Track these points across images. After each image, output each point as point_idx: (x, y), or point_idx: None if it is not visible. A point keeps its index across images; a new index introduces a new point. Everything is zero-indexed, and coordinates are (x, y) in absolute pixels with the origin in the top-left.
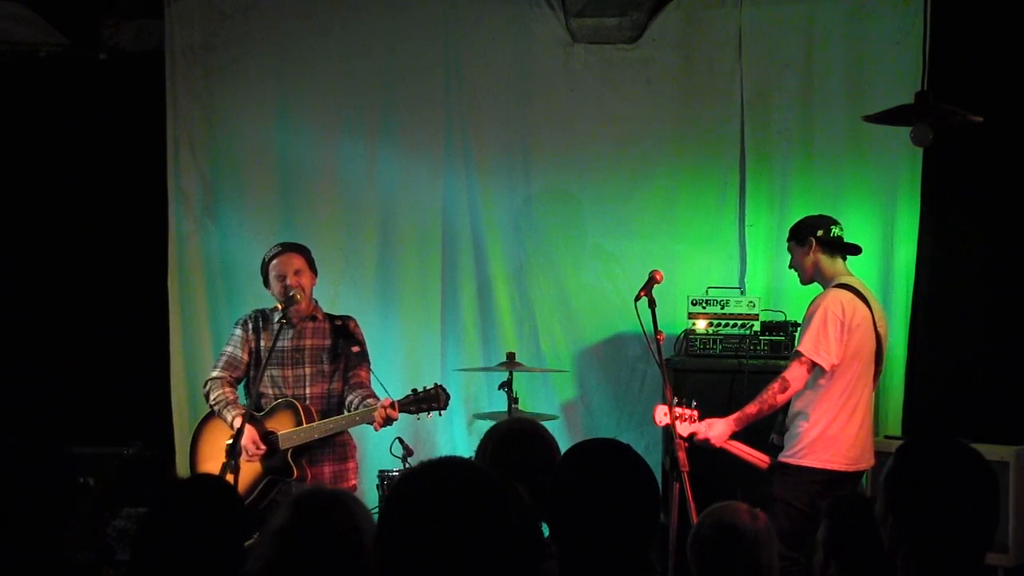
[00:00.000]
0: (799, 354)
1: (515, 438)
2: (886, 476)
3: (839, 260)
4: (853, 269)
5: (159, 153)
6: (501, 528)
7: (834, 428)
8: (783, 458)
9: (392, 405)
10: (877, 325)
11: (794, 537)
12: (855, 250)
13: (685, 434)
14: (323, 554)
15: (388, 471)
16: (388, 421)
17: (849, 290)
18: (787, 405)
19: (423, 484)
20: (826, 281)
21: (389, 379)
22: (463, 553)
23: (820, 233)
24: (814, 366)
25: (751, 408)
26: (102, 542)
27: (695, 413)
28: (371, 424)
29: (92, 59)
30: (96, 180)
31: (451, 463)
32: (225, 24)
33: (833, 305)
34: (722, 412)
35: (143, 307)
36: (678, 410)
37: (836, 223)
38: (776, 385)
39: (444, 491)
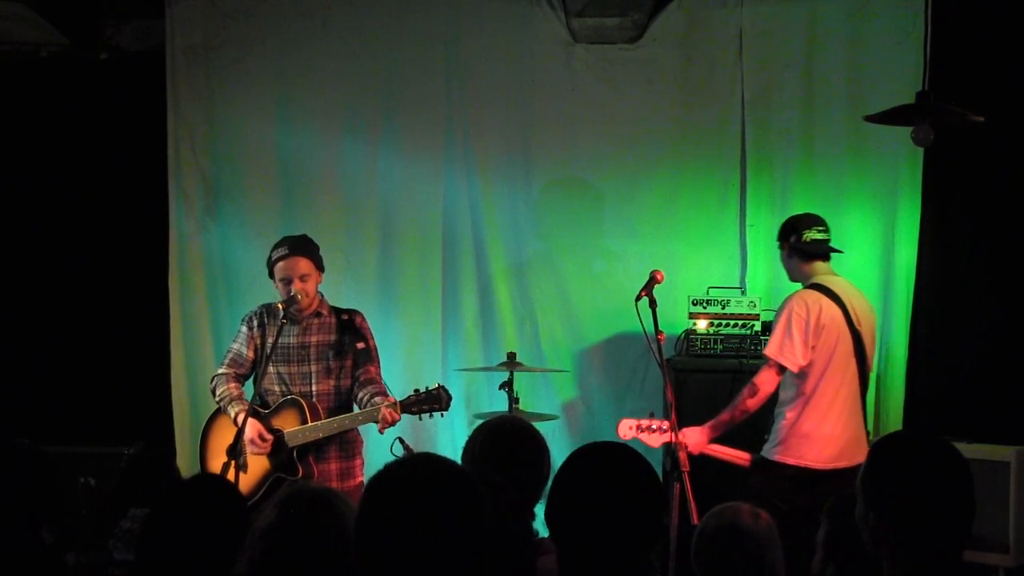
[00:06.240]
0: (767, 358)
1: (502, 434)
2: (863, 475)
3: (816, 262)
4: (854, 269)
5: (160, 153)
6: (475, 523)
7: (806, 426)
8: (763, 453)
9: (394, 406)
10: (855, 323)
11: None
12: (825, 255)
13: (656, 445)
14: (308, 553)
15: None
16: (390, 422)
17: (819, 290)
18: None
19: (398, 480)
20: (803, 281)
21: (390, 379)
22: (437, 548)
23: (792, 239)
24: (783, 369)
25: (724, 415)
26: (106, 542)
27: (664, 423)
28: (376, 423)
29: (93, 59)
30: (97, 180)
31: (426, 460)
32: (226, 24)
33: (797, 307)
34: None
35: (144, 307)
36: (644, 422)
37: (813, 226)
38: (746, 391)
39: (419, 487)
